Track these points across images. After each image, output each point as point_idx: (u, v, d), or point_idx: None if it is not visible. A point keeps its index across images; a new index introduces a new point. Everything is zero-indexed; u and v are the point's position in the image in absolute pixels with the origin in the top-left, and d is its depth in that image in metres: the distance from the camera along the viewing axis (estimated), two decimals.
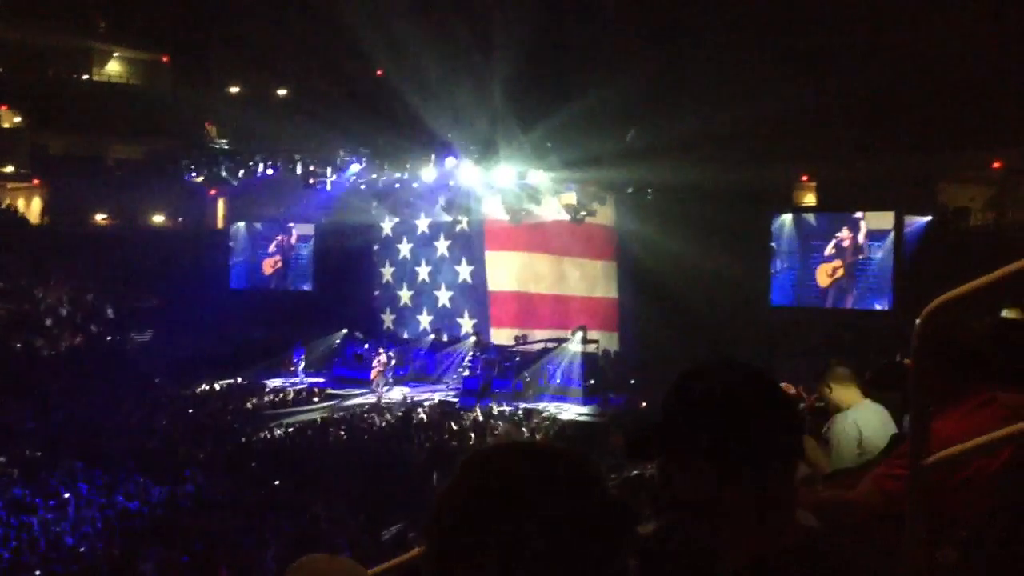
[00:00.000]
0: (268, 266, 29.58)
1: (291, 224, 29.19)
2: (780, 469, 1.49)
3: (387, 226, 27.68)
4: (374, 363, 24.00)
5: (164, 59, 34.35)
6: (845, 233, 20.99)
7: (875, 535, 2.68)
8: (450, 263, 26.49)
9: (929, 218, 20.52)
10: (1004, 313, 3.72)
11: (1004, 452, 2.47)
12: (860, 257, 20.83)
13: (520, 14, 23.65)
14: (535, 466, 1.17)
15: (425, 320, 26.89)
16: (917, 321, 1.96)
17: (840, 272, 21.04)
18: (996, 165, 21.17)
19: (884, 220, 20.66)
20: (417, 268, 27.09)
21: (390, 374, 24.07)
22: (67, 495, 14.51)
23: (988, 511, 2.52)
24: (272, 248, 29.53)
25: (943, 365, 2.70)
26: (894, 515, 2.16)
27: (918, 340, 1.95)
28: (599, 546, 1.15)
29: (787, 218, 22.07)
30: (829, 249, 21.29)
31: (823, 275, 21.35)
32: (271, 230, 29.54)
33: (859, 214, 20.89)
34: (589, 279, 24.16)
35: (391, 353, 24.38)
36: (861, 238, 20.82)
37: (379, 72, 27.46)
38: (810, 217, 22.41)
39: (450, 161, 23.57)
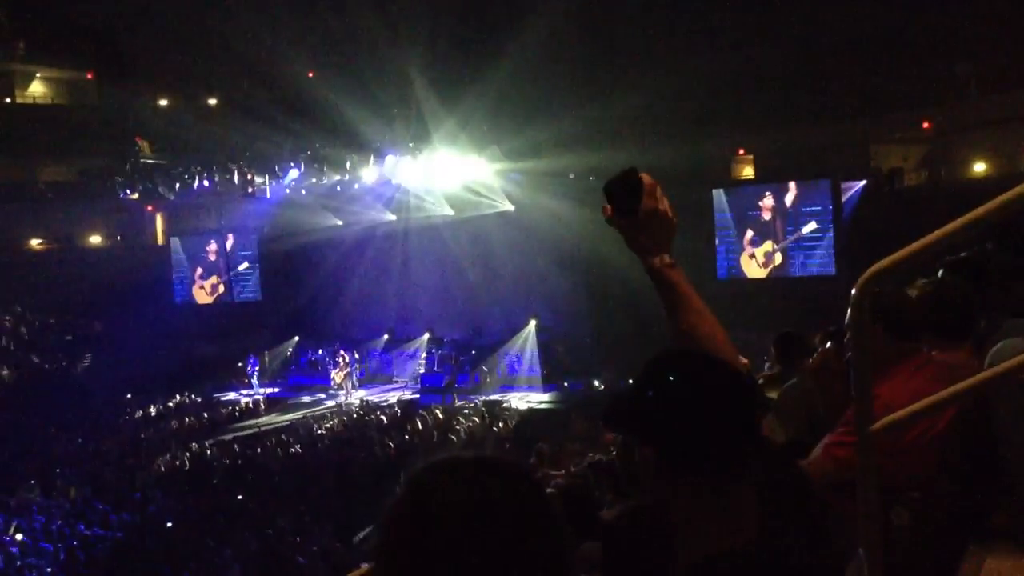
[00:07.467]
0: (202, 293, 28.96)
1: (230, 235, 28.75)
2: (735, 469, 1.44)
3: (331, 230, 27.41)
4: (340, 363, 23.82)
5: (89, 75, 33.48)
6: (768, 202, 21.26)
7: (830, 503, 2.72)
8: (402, 265, 26.35)
9: (864, 182, 20.87)
10: None
11: (948, 412, 2.52)
12: (793, 239, 21.13)
13: (449, 4, 23.60)
14: (477, 489, 1.06)
15: (379, 319, 26.74)
16: (853, 290, 1.98)
17: (778, 259, 21.33)
18: (926, 125, 21.60)
19: (818, 186, 21.00)
20: (367, 270, 26.90)
21: (354, 375, 23.95)
22: (22, 530, 14.16)
23: (937, 470, 2.57)
24: (201, 270, 28.91)
25: (880, 330, 2.74)
26: (847, 482, 2.18)
27: (854, 309, 1.96)
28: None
29: (723, 192, 22.25)
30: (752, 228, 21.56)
31: (751, 264, 21.57)
32: (215, 243, 29.01)
33: (791, 184, 21.24)
34: (540, 264, 24.06)
35: (343, 353, 24.21)
36: (789, 203, 21.15)
37: (310, 74, 27.11)
38: (742, 189, 22.66)
39: (390, 160, 23.38)
